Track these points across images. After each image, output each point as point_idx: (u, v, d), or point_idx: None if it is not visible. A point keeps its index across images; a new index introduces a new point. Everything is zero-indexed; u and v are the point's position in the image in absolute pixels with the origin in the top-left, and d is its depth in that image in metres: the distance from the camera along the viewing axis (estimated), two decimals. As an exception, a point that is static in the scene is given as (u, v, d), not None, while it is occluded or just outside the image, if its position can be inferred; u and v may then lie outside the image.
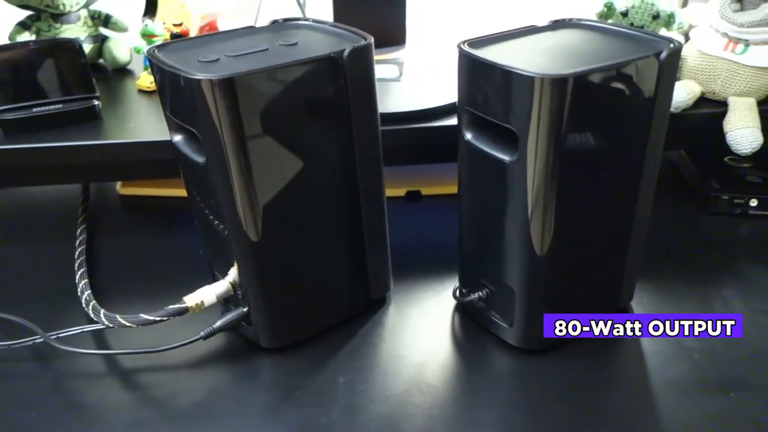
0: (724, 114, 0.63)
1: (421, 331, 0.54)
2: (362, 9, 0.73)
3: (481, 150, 0.44)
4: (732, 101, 0.63)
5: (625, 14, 0.64)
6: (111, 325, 0.49)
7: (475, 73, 0.43)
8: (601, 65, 0.40)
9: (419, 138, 0.60)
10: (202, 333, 0.49)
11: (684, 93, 0.62)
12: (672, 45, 0.42)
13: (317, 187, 0.47)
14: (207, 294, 0.48)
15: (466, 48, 0.43)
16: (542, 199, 0.42)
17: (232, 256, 0.47)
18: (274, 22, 0.51)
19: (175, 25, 0.74)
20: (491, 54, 0.42)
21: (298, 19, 0.51)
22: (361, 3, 0.72)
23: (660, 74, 0.42)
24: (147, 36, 0.73)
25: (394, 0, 0.75)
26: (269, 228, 0.45)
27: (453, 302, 0.56)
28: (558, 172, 0.41)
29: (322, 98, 0.44)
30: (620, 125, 0.43)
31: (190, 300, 0.48)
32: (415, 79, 0.68)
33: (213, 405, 0.47)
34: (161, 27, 0.73)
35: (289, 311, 0.50)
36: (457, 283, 0.54)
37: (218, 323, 0.49)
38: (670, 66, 0.42)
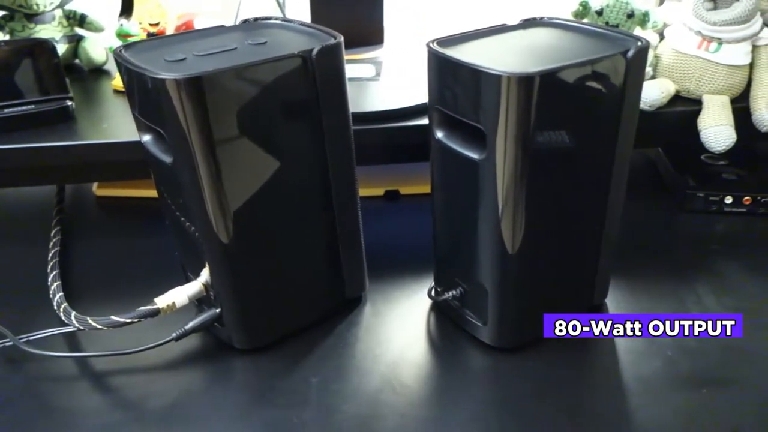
0: (698, 112, 0.63)
1: (396, 330, 0.54)
2: (339, 8, 0.72)
3: (452, 149, 0.44)
4: (706, 99, 0.63)
5: (600, 13, 0.64)
6: (81, 328, 0.49)
7: (444, 71, 0.43)
8: (567, 63, 0.40)
9: (395, 137, 0.60)
10: (174, 334, 0.48)
11: (658, 91, 0.62)
12: (639, 43, 0.42)
13: (289, 187, 0.47)
14: (179, 295, 0.48)
15: (434, 47, 0.43)
16: (512, 198, 0.42)
17: (204, 257, 0.47)
18: (245, 21, 0.51)
19: (151, 24, 0.74)
20: (460, 53, 0.42)
21: (269, 19, 0.50)
22: (338, 2, 0.72)
23: (627, 72, 0.42)
24: (123, 36, 0.73)
25: (371, -1, 0.75)
26: (240, 229, 0.45)
27: (429, 301, 0.56)
28: (527, 170, 0.41)
29: (292, 98, 0.44)
30: (589, 123, 0.43)
31: (161, 301, 0.48)
32: (393, 79, 0.68)
33: (186, 406, 0.46)
34: (137, 27, 0.73)
35: (262, 311, 0.50)
36: (433, 282, 0.54)
37: (190, 324, 0.49)
38: (638, 64, 0.42)
